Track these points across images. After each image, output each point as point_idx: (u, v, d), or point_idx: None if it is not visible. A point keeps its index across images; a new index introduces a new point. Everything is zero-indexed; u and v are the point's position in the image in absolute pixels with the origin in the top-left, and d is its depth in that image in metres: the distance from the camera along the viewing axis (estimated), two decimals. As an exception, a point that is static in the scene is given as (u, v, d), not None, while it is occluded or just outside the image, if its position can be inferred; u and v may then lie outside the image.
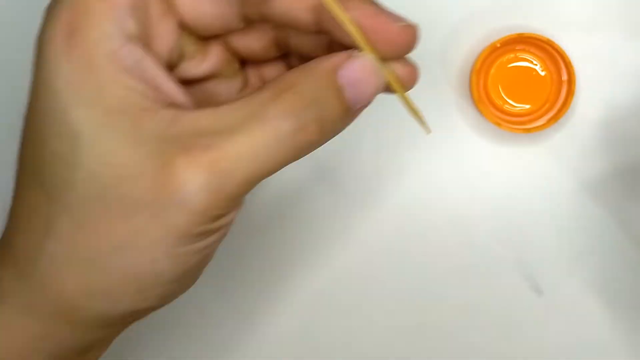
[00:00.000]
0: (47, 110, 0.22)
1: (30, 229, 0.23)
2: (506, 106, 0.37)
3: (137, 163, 0.22)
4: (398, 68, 0.25)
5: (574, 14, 0.37)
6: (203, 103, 0.24)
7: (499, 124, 0.36)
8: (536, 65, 0.37)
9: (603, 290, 0.38)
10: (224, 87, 0.27)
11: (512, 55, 0.37)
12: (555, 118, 0.36)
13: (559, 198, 0.38)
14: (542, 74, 0.37)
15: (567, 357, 0.38)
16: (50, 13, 0.22)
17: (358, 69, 0.24)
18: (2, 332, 0.24)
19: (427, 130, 0.27)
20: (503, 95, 0.37)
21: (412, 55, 0.38)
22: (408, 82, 0.26)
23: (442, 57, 0.38)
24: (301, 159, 0.26)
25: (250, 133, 0.22)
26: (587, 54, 0.37)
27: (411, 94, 0.38)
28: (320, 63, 0.23)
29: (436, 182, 0.38)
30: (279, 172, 0.24)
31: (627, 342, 0.38)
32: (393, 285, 0.38)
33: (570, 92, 0.36)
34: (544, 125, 0.36)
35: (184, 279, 0.24)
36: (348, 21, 0.23)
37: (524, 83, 0.37)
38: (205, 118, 0.22)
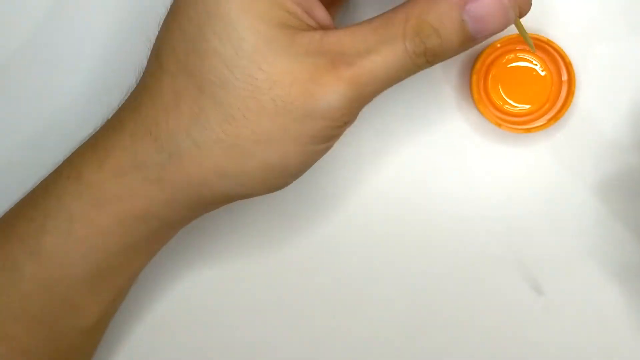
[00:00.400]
0: (214, 12, 0.26)
1: (177, 115, 0.27)
2: (506, 106, 0.37)
3: (290, 73, 0.26)
4: None
5: (574, 14, 0.37)
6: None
7: (499, 124, 0.36)
8: (536, 65, 0.37)
9: (603, 290, 0.38)
10: None
11: (512, 56, 0.37)
12: (555, 118, 0.36)
13: (560, 198, 0.38)
14: (542, 74, 0.37)
15: (568, 357, 0.38)
16: None
17: (485, 5, 0.27)
18: (128, 196, 0.28)
19: (533, 49, 0.31)
20: (503, 95, 0.37)
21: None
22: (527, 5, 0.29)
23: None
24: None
25: (383, 54, 0.27)
26: (587, 53, 0.37)
27: (411, 93, 0.38)
28: None
29: (436, 182, 0.38)
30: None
31: (627, 342, 0.38)
32: (391, 285, 0.38)
33: (570, 92, 0.36)
34: (544, 125, 0.36)
35: (297, 174, 0.29)
36: None
37: (524, 83, 0.37)
38: (347, 39, 0.27)
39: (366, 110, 0.38)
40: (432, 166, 0.38)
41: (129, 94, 0.30)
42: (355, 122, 0.39)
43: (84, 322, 0.31)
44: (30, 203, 0.30)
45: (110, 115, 0.30)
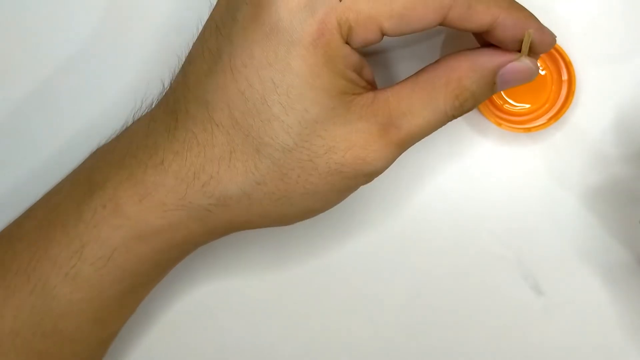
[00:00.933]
0: (279, 83, 0.28)
1: (230, 169, 0.29)
2: (506, 106, 0.37)
3: (346, 140, 0.29)
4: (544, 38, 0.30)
5: (574, 14, 0.37)
6: None
7: (499, 124, 0.36)
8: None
9: (603, 290, 0.38)
10: None
11: (512, 55, 0.37)
12: (555, 117, 0.36)
13: (560, 197, 0.38)
14: (542, 73, 0.37)
15: (567, 357, 0.38)
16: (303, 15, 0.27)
17: (517, 71, 0.30)
18: (169, 230, 0.30)
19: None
20: (503, 94, 0.37)
21: (412, 56, 0.38)
22: (551, 44, 0.31)
23: (442, 57, 0.38)
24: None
25: (426, 117, 0.30)
26: (587, 53, 0.37)
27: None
28: (485, 62, 0.30)
29: (436, 181, 0.38)
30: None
31: (627, 342, 0.38)
32: (391, 285, 0.38)
33: (570, 92, 0.36)
34: (544, 124, 0.36)
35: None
36: (529, 36, 0.29)
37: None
38: (394, 101, 0.29)
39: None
40: (432, 166, 0.38)
41: (150, 117, 0.31)
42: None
43: (108, 333, 0.33)
44: (60, 226, 0.30)
45: (132, 134, 0.31)
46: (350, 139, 0.29)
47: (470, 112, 0.38)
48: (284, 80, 0.28)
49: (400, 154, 0.30)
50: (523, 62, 0.30)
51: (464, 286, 0.38)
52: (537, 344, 0.38)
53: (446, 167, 0.38)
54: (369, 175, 0.30)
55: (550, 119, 0.36)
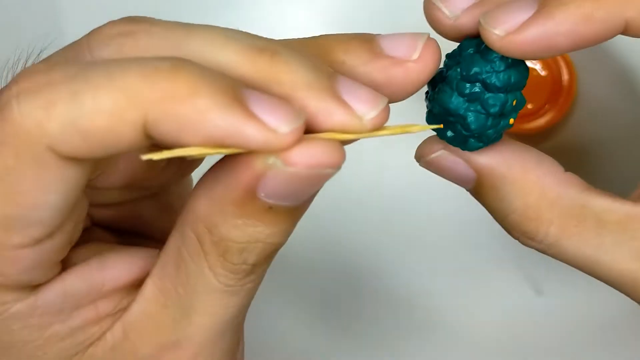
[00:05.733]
0: None
1: None
2: (506, 106, 0.37)
3: None
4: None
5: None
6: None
7: (499, 124, 0.36)
8: (537, 65, 0.37)
9: (603, 290, 0.38)
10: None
11: (512, 55, 0.37)
12: (555, 118, 0.36)
13: (560, 198, 0.38)
14: (543, 74, 0.37)
15: (568, 357, 0.38)
16: None
17: (280, 182, 0.19)
18: None
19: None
20: (503, 95, 0.37)
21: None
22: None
23: (444, 57, 0.38)
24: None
25: (200, 321, 0.21)
26: (587, 53, 0.37)
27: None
28: (226, 188, 0.19)
29: (436, 181, 0.38)
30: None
31: (627, 342, 0.38)
32: (391, 285, 0.38)
33: (570, 92, 0.36)
34: (544, 125, 0.36)
35: None
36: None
37: (524, 83, 0.37)
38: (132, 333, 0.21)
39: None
40: (432, 166, 0.38)
41: None
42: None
43: None
44: None
45: None
46: None
47: (471, 113, 0.38)
48: None
49: None
50: (278, 165, 0.18)
51: (464, 286, 0.38)
52: (537, 344, 0.38)
53: (446, 167, 0.38)
54: None
55: (550, 119, 0.36)
